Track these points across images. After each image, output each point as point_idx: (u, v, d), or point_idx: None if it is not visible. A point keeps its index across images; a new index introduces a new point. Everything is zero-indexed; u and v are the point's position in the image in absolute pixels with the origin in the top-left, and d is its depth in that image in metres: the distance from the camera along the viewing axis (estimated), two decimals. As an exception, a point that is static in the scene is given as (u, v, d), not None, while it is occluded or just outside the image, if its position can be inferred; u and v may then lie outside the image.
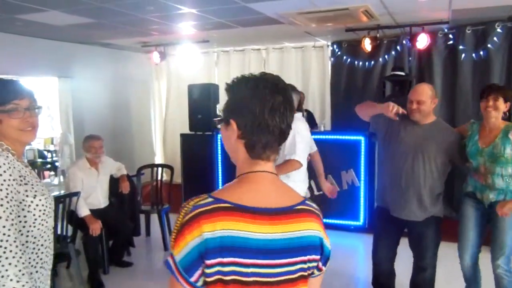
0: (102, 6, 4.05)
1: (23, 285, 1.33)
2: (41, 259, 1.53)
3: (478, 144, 2.84)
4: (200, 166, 5.90)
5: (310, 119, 5.77)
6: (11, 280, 1.31)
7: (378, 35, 5.40)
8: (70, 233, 3.87)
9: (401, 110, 2.77)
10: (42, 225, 1.52)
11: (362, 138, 5.03)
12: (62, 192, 4.23)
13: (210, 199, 1.01)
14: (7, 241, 1.34)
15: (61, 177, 4.79)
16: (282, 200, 1.06)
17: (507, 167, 2.72)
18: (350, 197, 5.11)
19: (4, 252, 1.32)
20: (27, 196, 1.46)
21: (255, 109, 1.03)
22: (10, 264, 1.32)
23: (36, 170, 5.67)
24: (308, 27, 5.23)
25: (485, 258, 2.96)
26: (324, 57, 6.61)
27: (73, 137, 6.39)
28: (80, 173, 3.98)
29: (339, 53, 6.28)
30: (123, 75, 7.00)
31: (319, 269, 1.13)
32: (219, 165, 5.80)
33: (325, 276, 3.98)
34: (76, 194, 3.75)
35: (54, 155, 7.53)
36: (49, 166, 6.30)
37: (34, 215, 1.48)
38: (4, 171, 1.39)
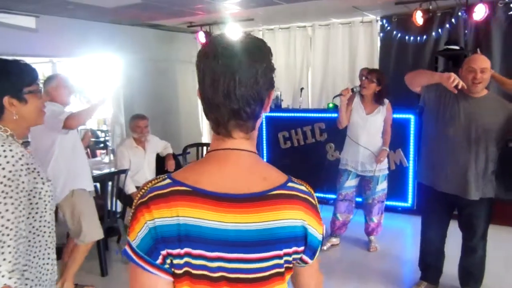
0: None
1: (14, 282, 1.29)
2: (51, 242, 1.56)
3: None
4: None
5: None
6: (2, 276, 1.27)
7: (431, 7, 5.08)
8: (119, 209, 4.04)
9: (461, 84, 2.59)
10: (52, 209, 1.52)
11: (411, 117, 4.82)
12: (112, 169, 4.40)
13: (167, 181, 0.92)
14: (8, 235, 1.29)
15: (111, 156, 4.98)
16: (253, 184, 0.90)
17: None
18: (398, 178, 4.95)
19: (2, 247, 1.28)
20: (37, 183, 1.43)
21: (201, 81, 0.91)
22: (4, 260, 1.28)
23: (89, 150, 5.99)
24: (355, 1, 5.02)
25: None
26: (372, 32, 6.32)
27: (123, 117, 6.61)
28: (127, 152, 4.11)
29: (388, 28, 5.99)
30: (170, 55, 7.11)
31: (304, 262, 0.98)
32: (264, 143, 5.79)
33: (372, 258, 3.89)
34: (124, 171, 3.89)
35: (106, 134, 7.86)
36: (101, 145, 6.60)
37: (44, 201, 1.47)
38: (16, 161, 1.34)
